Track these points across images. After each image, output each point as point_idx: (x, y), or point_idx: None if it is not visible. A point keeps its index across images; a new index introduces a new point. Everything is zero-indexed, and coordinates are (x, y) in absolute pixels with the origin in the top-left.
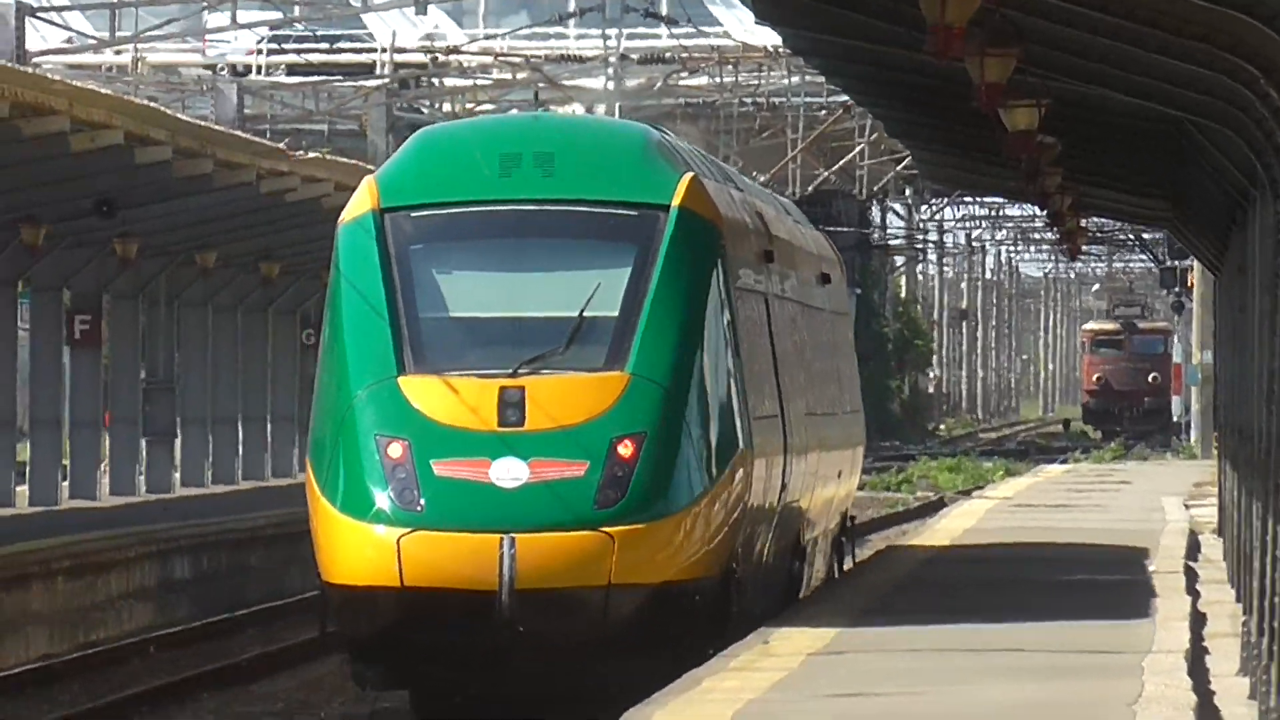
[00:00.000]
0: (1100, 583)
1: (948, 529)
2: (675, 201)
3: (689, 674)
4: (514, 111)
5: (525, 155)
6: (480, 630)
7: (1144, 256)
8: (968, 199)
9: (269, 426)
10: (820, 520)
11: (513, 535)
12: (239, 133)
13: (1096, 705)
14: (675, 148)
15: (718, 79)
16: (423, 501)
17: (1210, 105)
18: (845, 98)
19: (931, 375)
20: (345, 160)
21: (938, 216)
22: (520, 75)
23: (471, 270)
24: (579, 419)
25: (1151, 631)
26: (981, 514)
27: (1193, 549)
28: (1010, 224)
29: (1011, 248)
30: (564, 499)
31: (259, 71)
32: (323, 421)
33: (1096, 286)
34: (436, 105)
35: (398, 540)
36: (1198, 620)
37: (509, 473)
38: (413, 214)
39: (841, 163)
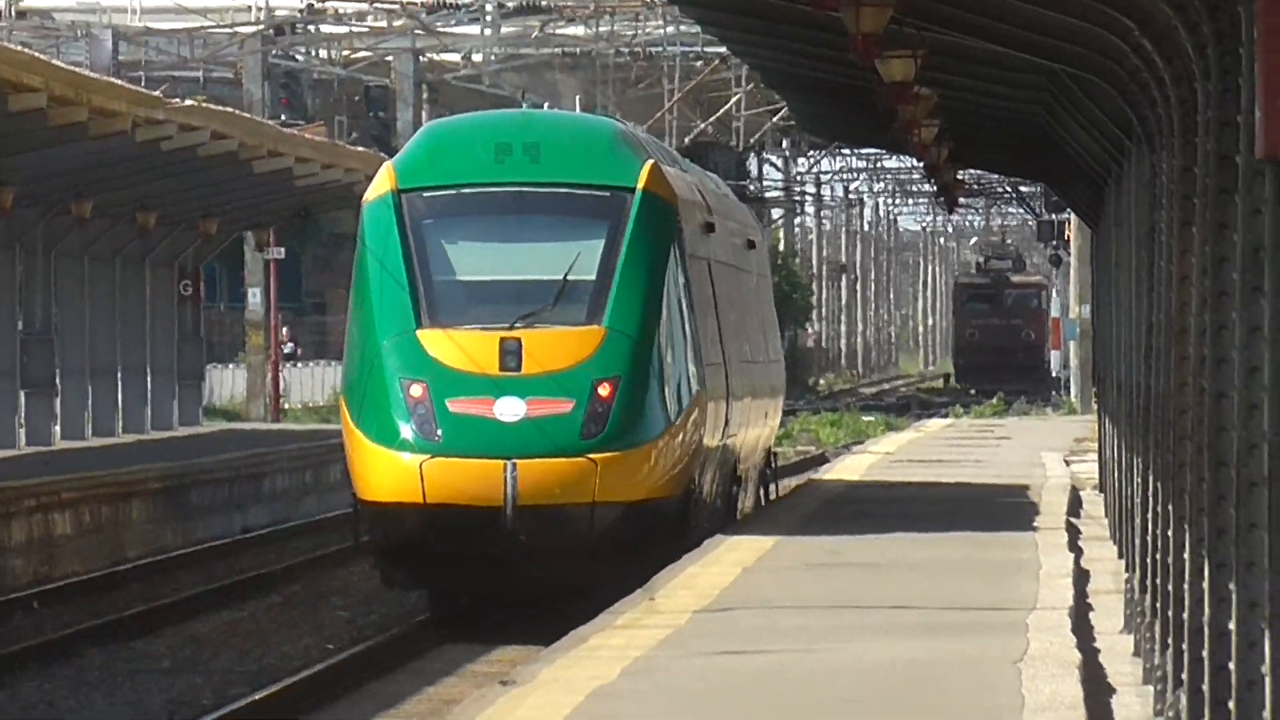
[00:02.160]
0: (983, 539)
1: (827, 486)
2: (640, 184)
3: (575, 632)
4: (390, 58)
5: (516, 145)
6: (488, 539)
7: (1021, 210)
8: (845, 151)
9: (149, 378)
10: (752, 454)
11: (514, 461)
12: (114, 80)
13: (982, 663)
14: (638, 138)
15: (594, 29)
16: (440, 433)
17: (1085, 57)
18: (722, 48)
19: (811, 330)
20: (221, 108)
21: (815, 169)
22: (397, 23)
23: (474, 241)
24: (565, 365)
25: (1035, 589)
26: (863, 469)
27: (1074, 505)
28: (888, 176)
29: (890, 200)
30: (555, 431)
31: (134, 16)
32: (354, 368)
33: (975, 240)
34: (313, 53)
35: (420, 465)
36: (1081, 577)
37: (509, 409)
38: (424, 194)
39: (718, 114)
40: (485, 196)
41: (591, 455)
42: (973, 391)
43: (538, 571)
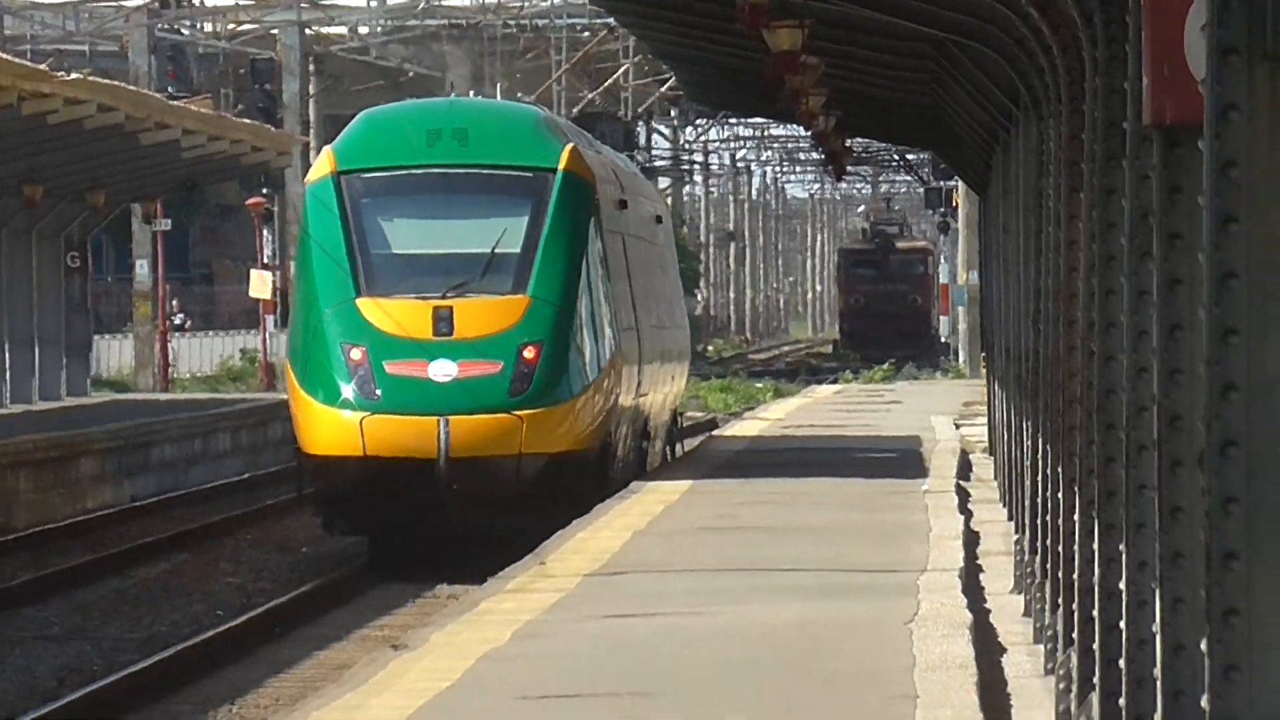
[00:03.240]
0: (874, 502)
1: (719, 452)
2: (560, 166)
3: (467, 596)
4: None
5: (445, 130)
6: (423, 488)
7: (909, 177)
8: (733, 120)
9: (36, 349)
10: (661, 412)
11: (447, 417)
12: None
13: (873, 624)
14: (558, 124)
15: (481, 0)
16: (379, 392)
17: (973, 26)
18: (610, 20)
19: (699, 297)
20: (108, 81)
21: (703, 138)
22: None
23: (408, 218)
24: (493, 330)
25: (925, 551)
26: (754, 435)
27: (964, 468)
28: (776, 145)
29: (778, 169)
30: (484, 390)
31: None
32: (298, 334)
33: (862, 208)
34: (198, 26)
35: (360, 421)
36: (971, 539)
37: (442, 371)
38: (362, 175)
39: (606, 84)
40: (418, 177)
41: (518, 412)
42: (859, 358)
43: (469, 518)
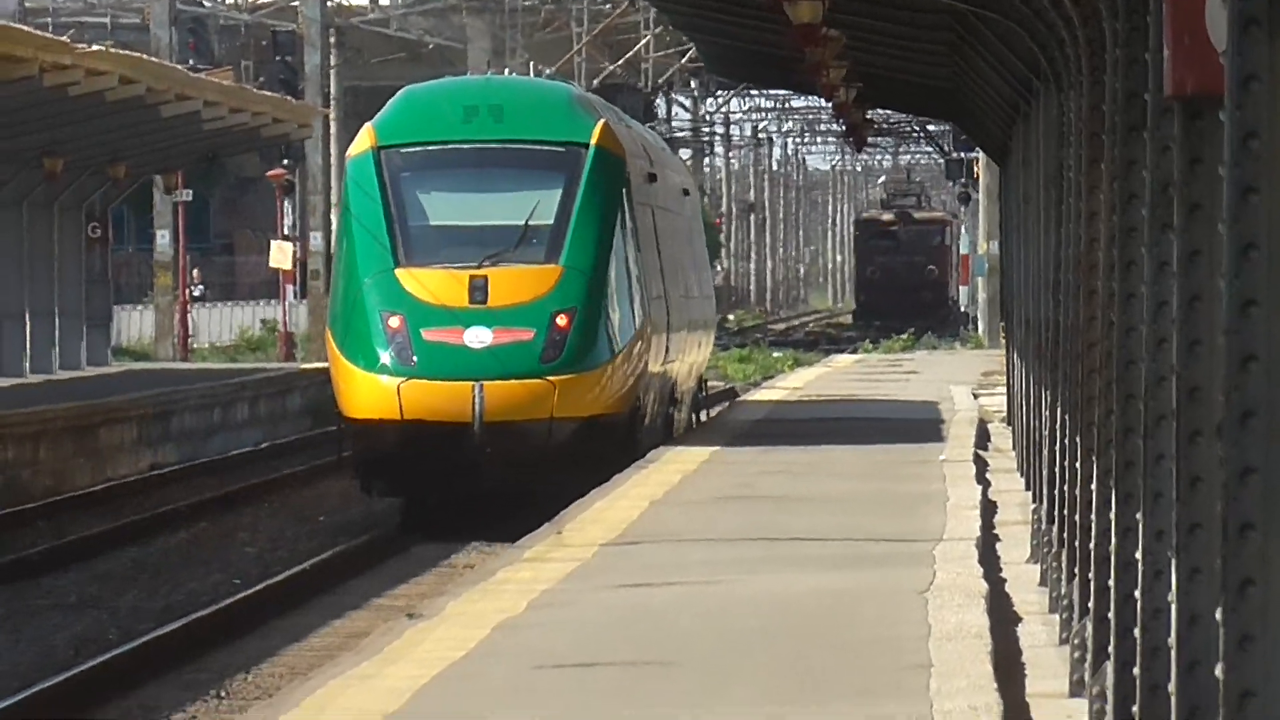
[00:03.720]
0: (891, 471)
1: (739, 421)
2: (593, 140)
3: (483, 565)
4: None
5: (481, 107)
6: (458, 452)
7: (930, 148)
8: (754, 91)
9: (56, 321)
10: (687, 379)
11: (481, 382)
12: (21, 26)
13: (889, 593)
14: (590, 100)
15: None
16: (416, 359)
17: None
18: None
19: (720, 267)
20: (129, 53)
21: (724, 109)
22: None
23: (445, 191)
24: (527, 298)
25: (943, 520)
26: (773, 404)
27: (982, 437)
28: (797, 116)
29: (798, 140)
30: (518, 356)
31: None
32: (338, 302)
33: (883, 178)
34: None
35: (398, 386)
36: (988, 508)
37: (477, 338)
38: (401, 150)
39: (627, 56)
40: (455, 152)
41: (550, 377)
42: (877, 329)
43: (503, 480)
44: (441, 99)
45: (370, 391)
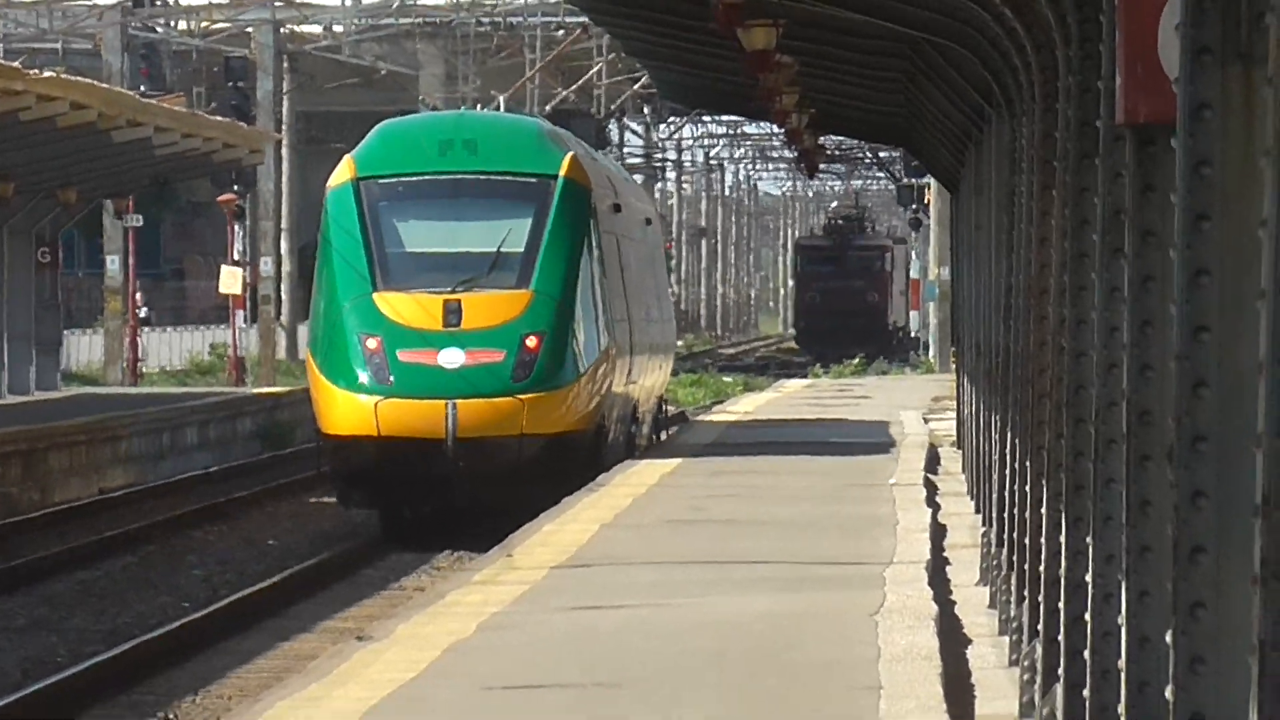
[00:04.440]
0: (841, 495)
1: (688, 445)
2: (561, 172)
3: (433, 588)
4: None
5: (456, 141)
6: (433, 466)
7: (881, 174)
8: (706, 117)
9: (5, 344)
10: (648, 399)
11: (455, 401)
12: None
13: (839, 616)
14: (559, 134)
15: None
16: (392, 378)
17: (946, 24)
18: (583, 18)
19: (671, 292)
20: (81, 79)
21: (676, 135)
22: None
23: (421, 219)
24: (499, 321)
25: (893, 543)
26: (722, 428)
27: (932, 461)
28: (749, 142)
29: (750, 166)
30: (489, 376)
31: None
32: (319, 324)
33: (835, 204)
34: (172, 24)
35: (375, 404)
36: (938, 532)
37: (451, 359)
38: (379, 181)
39: (580, 82)
40: (430, 183)
41: (520, 396)
42: (810, 357)
43: (474, 493)
44: (418, 132)
45: (349, 409)
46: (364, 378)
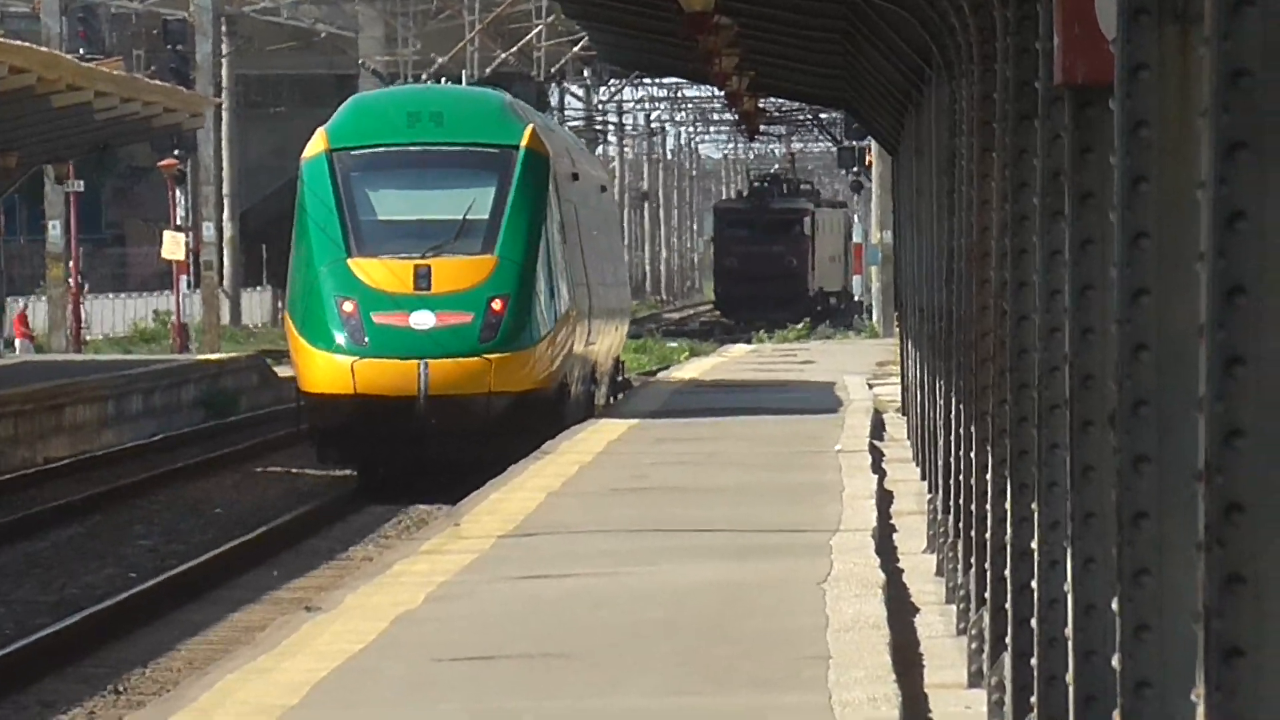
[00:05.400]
0: (786, 462)
1: (636, 410)
2: (522, 143)
3: (380, 558)
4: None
5: (423, 113)
6: (406, 423)
7: (823, 137)
8: (646, 80)
9: None
10: (606, 360)
11: (426, 361)
12: None
13: (786, 584)
14: (520, 106)
15: None
16: (367, 339)
17: None
18: None
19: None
20: (19, 43)
21: (617, 98)
22: None
23: (392, 189)
24: (466, 286)
25: (839, 510)
26: (667, 396)
27: (877, 428)
28: (690, 105)
29: (691, 129)
30: (458, 337)
31: None
32: (296, 288)
33: (776, 167)
34: None
35: (352, 364)
36: (884, 498)
37: (422, 321)
38: (351, 152)
39: (519, 45)
40: (400, 154)
41: (487, 355)
42: (731, 322)
43: (445, 448)
44: (387, 105)
45: (326, 369)
46: (340, 339)
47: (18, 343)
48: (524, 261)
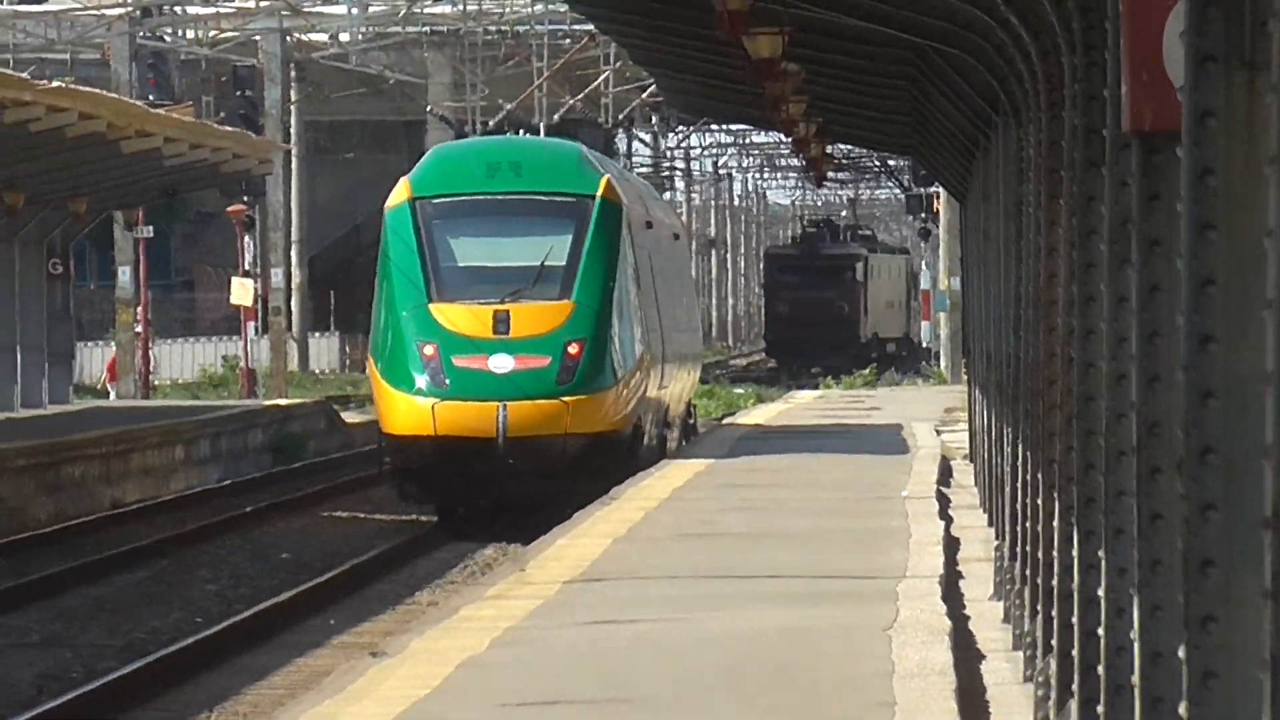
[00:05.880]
0: (854, 508)
1: (693, 466)
2: (598, 193)
3: (446, 603)
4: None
5: (503, 163)
6: (485, 463)
7: (890, 183)
8: (714, 126)
9: (18, 356)
10: (678, 403)
11: (505, 403)
12: None
13: (852, 630)
14: (597, 158)
15: (462, 7)
16: (448, 382)
17: (952, 32)
18: (590, 26)
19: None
20: (89, 89)
21: (684, 144)
22: (263, 3)
23: (472, 236)
24: (544, 330)
25: (905, 557)
26: (734, 442)
27: (944, 474)
28: (757, 151)
29: (759, 175)
30: (536, 380)
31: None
32: (380, 333)
33: (844, 213)
34: (180, 34)
35: (433, 406)
36: (951, 545)
37: (501, 364)
38: (434, 201)
39: (587, 91)
40: (480, 202)
41: (564, 398)
42: (775, 368)
43: (522, 487)
44: (468, 156)
45: (408, 411)
46: (422, 382)
47: (110, 387)
48: (599, 307)
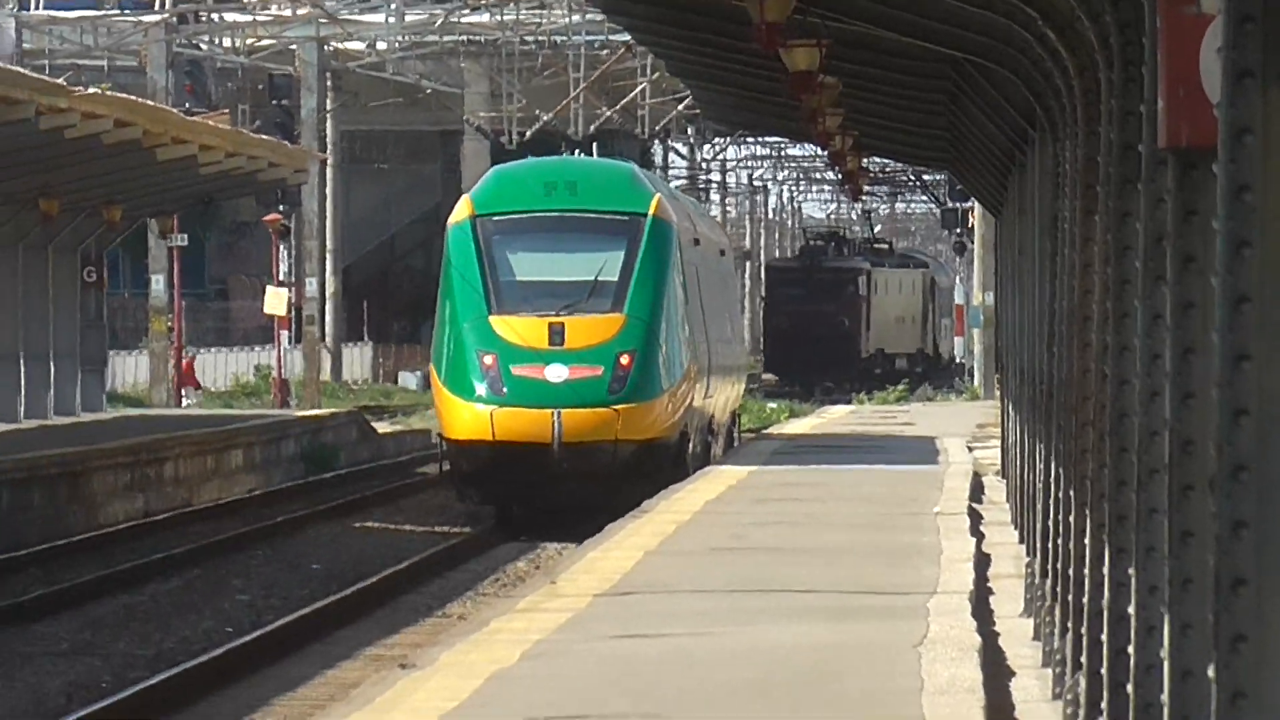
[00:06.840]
0: (885, 524)
1: (734, 473)
2: (650, 211)
3: (476, 615)
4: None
5: (559, 183)
6: (540, 467)
7: (925, 198)
8: (750, 139)
9: (52, 364)
10: (723, 412)
11: (560, 410)
12: (17, 68)
13: (882, 646)
14: (648, 177)
15: (499, 17)
16: (505, 390)
17: (989, 46)
18: (627, 37)
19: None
20: (125, 96)
21: (720, 156)
22: (300, 11)
23: (530, 251)
24: (596, 341)
25: (936, 573)
26: (766, 455)
27: (976, 490)
28: (793, 164)
29: (794, 188)
30: (589, 389)
31: (37, 5)
32: (441, 342)
33: (879, 227)
34: (216, 41)
35: (491, 413)
36: (982, 562)
37: (556, 374)
38: (493, 218)
39: (624, 102)
40: (537, 219)
41: (615, 406)
42: (777, 383)
43: (576, 491)
44: (526, 175)
45: (468, 417)
46: (481, 389)
47: (187, 391)
48: (650, 320)
